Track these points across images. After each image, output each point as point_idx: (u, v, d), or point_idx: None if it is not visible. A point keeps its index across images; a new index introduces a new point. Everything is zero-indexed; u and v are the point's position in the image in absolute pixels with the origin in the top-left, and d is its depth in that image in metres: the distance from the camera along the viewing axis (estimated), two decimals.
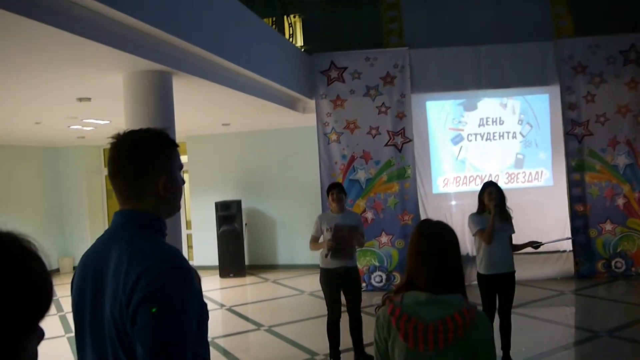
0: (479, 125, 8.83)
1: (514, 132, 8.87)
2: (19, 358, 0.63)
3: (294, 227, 10.22)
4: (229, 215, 10.07)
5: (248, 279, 9.94)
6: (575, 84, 8.54)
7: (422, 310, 1.92)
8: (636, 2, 9.36)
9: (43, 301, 0.66)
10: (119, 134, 1.50)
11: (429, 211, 8.41)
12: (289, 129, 10.23)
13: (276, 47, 7.27)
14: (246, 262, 10.28)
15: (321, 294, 8.28)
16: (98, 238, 1.53)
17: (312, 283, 9.13)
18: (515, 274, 4.90)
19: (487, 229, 4.73)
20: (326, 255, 4.99)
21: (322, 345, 6.05)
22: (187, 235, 11.15)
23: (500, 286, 4.80)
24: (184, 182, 1.56)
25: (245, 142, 10.62)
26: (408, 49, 8.50)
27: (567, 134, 8.52)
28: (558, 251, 8.48)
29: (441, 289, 1.94)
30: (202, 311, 1.41)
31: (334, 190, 5.16)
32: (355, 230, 5.06)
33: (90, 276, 1.44)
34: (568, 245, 8.37)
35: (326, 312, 5.22)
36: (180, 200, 1.57)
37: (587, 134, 8.52)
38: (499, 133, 8.84)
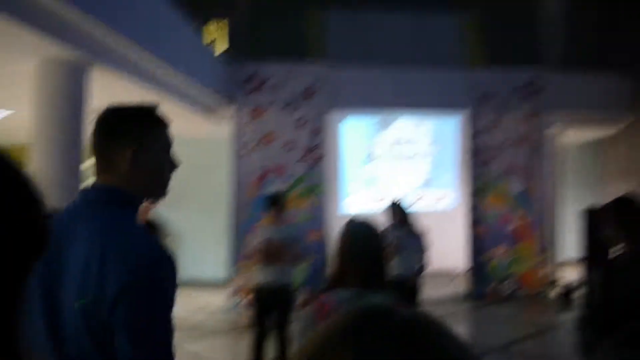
0: (392, 145, 9.15)
1: (425, 153, 9.28)
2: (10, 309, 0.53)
3: (202, 240, 9.95)
4: None
5: None
6: (482, 111, 9.09)
7: (350, 307, 1.94)
8: (538, 39, 10.19)
9: (45, 234, 0.58)
10: (104, 108, 1.43)
11: (337, 228, 8.52)
12: (202, 138, 9.99)
13: (199, 51, 7.15)
14: None
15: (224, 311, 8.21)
16: (62, 211, 1.38)
17: (216, 298, 8.82)
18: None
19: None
20: (266, 266, 4.69)
21: None
22: None
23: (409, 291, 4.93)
24: (173, 165, 1.45)
25: None
26: (330, 65, 8.64)
27: (472, 159, 9.04)
28: (453, 272, 8.93)
29: (369, 285, 1.97)
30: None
31: (277, 206, 4.86)
32: (292, 244, 4.85)
33: (51, 253, 1.25)
34: (463, 266, 8.86)
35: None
36: (161, 183, 1.45)
37: (488, 160, 9.09)
38: (411, 153, 9.22)
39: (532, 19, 10.61)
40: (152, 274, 1.23)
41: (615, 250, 2.65)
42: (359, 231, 2.08)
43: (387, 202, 5.30)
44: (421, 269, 5.09)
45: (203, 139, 9.92)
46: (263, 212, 5.20)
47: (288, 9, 9.44)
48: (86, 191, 1.39)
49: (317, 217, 8.52)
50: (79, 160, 4.94)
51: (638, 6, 10.87)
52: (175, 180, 1.49)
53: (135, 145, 1.38)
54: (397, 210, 4.97)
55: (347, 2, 9.67)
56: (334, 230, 8.49)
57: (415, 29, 9.33)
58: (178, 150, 1.48)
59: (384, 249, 2.11)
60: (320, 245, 8.41)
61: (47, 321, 1.24)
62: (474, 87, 9.05)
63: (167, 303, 1.24)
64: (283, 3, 9.71)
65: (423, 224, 8.56)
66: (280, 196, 5.13)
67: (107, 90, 5.84)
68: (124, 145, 1.38)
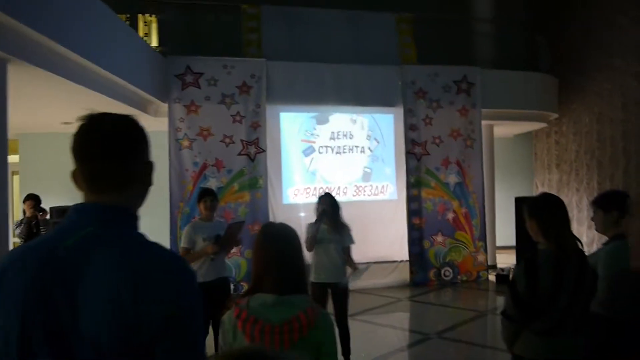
0: (330, 139, 9.20)
1: (363, 147, 9.38)
2: None
3: None
4: None
5: None
6: (416, 107, 9.30)
7: (269, 312, 1.94)
8: (469, 39, 10.51)
9: None
10: (92, 114, 1.29)
11: (279, 221, 8.51)
12: None
13: (129, 45, 6.92)
14: None
15: None
16: (57, 234, 1.25)
17: None
18: (349, 284, 5.06)
19: (307, 237, 4.81)
20: (212, 259, 4.68)
21: None
22: (14, 244, 10.06)
23: (336, 294, 4.89)
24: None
25: None
26: (266, 60, 8.61)
27: (408, 153, 9.23)
28: (395, 261, 9.12)
29: (287, 290, 1.98)
30: None
31: (208, 198, 4.86)
32: (240, 228, 4.92)
33: (57, 284, 1.16)
34: (404, 255, 9.05)
35: None
36: (146, 197, 1.40)
37: (424, 153, 9.31)
38: (349, 147, 9.29)
39: (462, 20, 10.90)
40: (194, 297, 1.22)
41: (539, 245, 2.75)
42: (274, 236, 2.10)
43: (317, 196, 5.28)
44: (349, 263, 5.07)
45: None
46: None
47: (220, 3, 9.30)
48: (95, 211, 1.26)
49: (260, 209, 8.48)
50: (4, 157, 4.76)
51: (562, 10, 11.37)
52: None
53: (148, 157, 1.34)
54: (324, 203, 4.96)
55: None
56: (279, 220, 8.47)
57: (349, 26, 9.39)
58: None
59: (301, 252, 2.11)
60: None
61: (56, 351, 1.15)
62: (408, 84, 9.21)
63: (202, 313, 1.24)
64: None
65: (366, 213, 8.74)
66: (207, 191, 5.09)
67: (28, 87, 5.61)
68: (145, 157, 1.33)
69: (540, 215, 2.74)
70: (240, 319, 1.95)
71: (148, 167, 1.34)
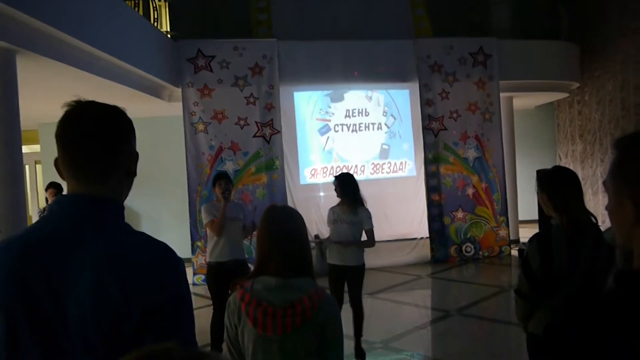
0: (346, 116, 9.11)
1: (379, 124, 9.26)
2: None
3: (161, 221, 9.84)
4: None
5: None
6: (432, 81, 9.13)
7: (272, 295, 1.93)
8: (485, 9, 10.25)
9: None
10: (79, 101, 1.27)
11: (297, 202, 8.51)
12: (153, 118, 9.74)
13: (138, 31, 6.89)
14: None
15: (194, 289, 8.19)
16: (36, 227, 1.25)
17: None
18: (365, 266, 4.87)
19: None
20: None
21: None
22: None
23: (348, 277, 4.79)
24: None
25: None
26: (277, 40, 8.52)
27: (425, 128, 9.09)
28: (415, 238, 9.06)
29: (291, 273, 1.97)
30: None
31: (223, 181, 4.87)
32: (240, 219, 5.00)
33: (37, 276, 1.15)
34: (425, 232, 8.99)
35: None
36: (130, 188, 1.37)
37: (441, 128, 9.16)
38: (365, 124, 9.19)
39: None
40: (180, 285, 1.21)
41: (552, 220, 2.67)
42: (278, 218, 2.07)
43: (333, 178, 5.15)
44: (368, 242, 4.94)
45: (157, 117, 9.71)
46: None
47: None
48: (77, 202, 1.24)
49: (278, 190, 8.49)
50: (18, 147, 4.83)
51: None
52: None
53: (134, 148, 1.32)
54: (341, 185, 4.86)
55: None
56: (297, 201, 8.48)
57: (359, 1, 9.20)
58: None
59: (306, 235, 2.09)
60: None
61: (43, 342, 1.15)
62: (422, 58, 9.04)
63: (191, 302, 1.25)
64: None
65: (385, 191, 8.67)
66: (221, 174, 5.11)
67: (41, 78, 5.65)
68: (130, 147, 1.30)
69: (551, 188, 2.67)
70: (243, 302, 1.95)
71: (133, 157, 1.32)
